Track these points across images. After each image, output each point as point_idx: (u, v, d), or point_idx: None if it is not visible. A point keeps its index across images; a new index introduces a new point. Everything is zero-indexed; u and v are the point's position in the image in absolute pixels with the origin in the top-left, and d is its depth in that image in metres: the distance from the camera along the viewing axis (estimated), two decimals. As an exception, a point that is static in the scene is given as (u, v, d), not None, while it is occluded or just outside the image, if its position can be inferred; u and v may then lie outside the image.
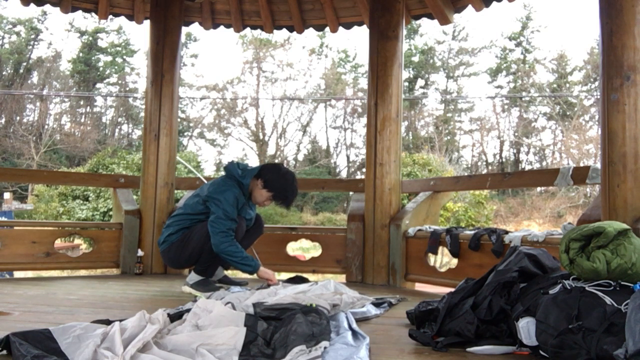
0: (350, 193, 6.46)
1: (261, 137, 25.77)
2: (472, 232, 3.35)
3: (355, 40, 30.89)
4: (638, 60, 2.48)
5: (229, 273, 3.69)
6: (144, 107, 4.85)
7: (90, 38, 27.97)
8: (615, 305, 1.64)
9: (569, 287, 1.78)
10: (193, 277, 3.26)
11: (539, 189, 21.07)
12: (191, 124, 26.84)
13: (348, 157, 26.78)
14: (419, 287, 3.89)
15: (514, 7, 30.77)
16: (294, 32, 4.91)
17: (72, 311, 2.58)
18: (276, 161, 21.93)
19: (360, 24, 4.73)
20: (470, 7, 4.16)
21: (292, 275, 3.67)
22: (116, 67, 28.07)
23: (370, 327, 2.32)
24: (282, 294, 2.64)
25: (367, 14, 4.42)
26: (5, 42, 26.69)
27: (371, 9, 4.20)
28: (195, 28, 7.97)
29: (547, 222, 18.48)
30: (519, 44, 26.87)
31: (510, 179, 4.01)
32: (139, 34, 35.14)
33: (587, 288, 1.74)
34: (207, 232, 3.11)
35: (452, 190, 4.66)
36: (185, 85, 26.37)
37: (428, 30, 28.15)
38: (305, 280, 3.40)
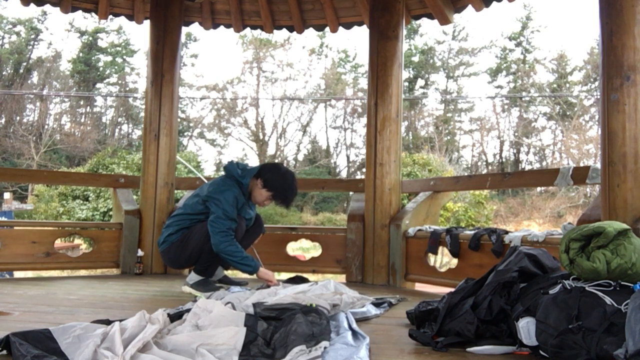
0: (350, 193, 6.46)
1: (261, 137, 25.78)
2: (472, 232, 3.35)
3: (355, 40, 30.93)
4: (638, 60, 2.48)
5: (229, 273, 3.69)
6: (144, 107, 4.85)
7: (90, 38, 27.97)
8: (615, 305, 1.64)
9: (569, 287, 1.78)
10: (193, 277, 3.26)
11: (539, 189, 21.07)
12: (191, 124, 26.85)
13: (348, 157, 26.81)
14: (419, 287, 3.89)
15: (514, 7, 30.79)
16: (294, 32, 4.91)
17: (72, 311, 2.58)
18: (276, 161, 21.93)
19: (360, 24, 4.73)
20: (470, 7, 4.16)
21: (292, 275, 3.67)
22: (116, 67, 28.07)
23: (370, 327, 2.32)
24: (282, 294, 2.64)
25: (367, 14, 4.42)
26: (5, 42, 26.72)
27: (371, 9, 4.20)
28: (195, 28, 7.97)
29: (547, 222, 18.49)
30: (519, 44, 26.88)
31: (510, 179, 4.01)
32: (139, 34, 35.19)
33: (587, 288, 1.74)
34: (207, 232, 3.11)
35: (452, 190, 4.66)
36: (185, 85, 26.38)
37: (428, 30, 28.20)
38: (305, 280, 3.41)
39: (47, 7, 4.75)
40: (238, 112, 26.08)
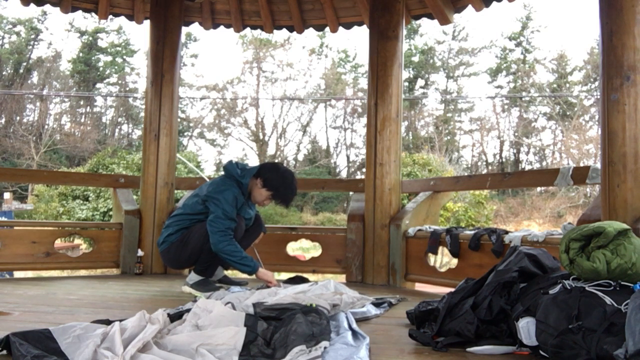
0: (350, 193, 6.46)
1: (261, 137, 25.78)
2: (472, 232, 3.35)
3: (355, 40, 30.93)
4: (638, 60, 2.48)
5: (229, 273, 3.69)
6: (144, 107, 4.85)
7: (90, 38, 27.97)
8: (615, 305, 1.64)
9: (569, 287, 1.78)
10: (193, 277, 3.26)
11: (539, 189, 21.07)
12: (191, 124, 26.85)
13: (348, 157, 26.81)
14: (419, 287, 3.89)
15: (514, 7, 30.80)
16: (294, 32, 4.91)
17: (72, 311, 2.58)
18: (276, 161, 21.94)
19: (360, 24, 4.73)
20: (470, 7, 4.16)
21: (292, 275, 3.67)
22: (116, 67, 28.07)
23: (370, 327, 2.32)
24: (282, 294, 2.64)
25: (367, 14, 4.42)
26: (5, 42, 26.72)
27: (371, 9, 4.20)
28: (195, 28, 7.98)
29: (547, 222, 18.49)
30: (519, 44, 26.88)
31: (510, 179, 4.01)
32: (139, 34, 35.19)
33: (587, 288, 1.74)
34: (206, 232, 3.11)
35: (452, 190, 4.65)
36: (185, 85, 26.39)
37: (428, 30, 28.20)
38: (305, 280, 3.40)
39: (47, 7, 4.75)
40: (238, 112, 26.10)
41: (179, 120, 6.23)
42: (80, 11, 4.68)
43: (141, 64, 28.40)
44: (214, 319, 1.94)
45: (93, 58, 27.72)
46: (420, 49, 27.31)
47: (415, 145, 24.22)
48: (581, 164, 9.07)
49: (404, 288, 3.74)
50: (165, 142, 4.30)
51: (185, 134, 26.39)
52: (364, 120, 7.54)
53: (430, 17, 4.37)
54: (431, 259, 4.38)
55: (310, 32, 12.39)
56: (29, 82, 26.46)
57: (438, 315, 2.06)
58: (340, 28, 4.79)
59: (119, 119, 28.19)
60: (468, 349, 1.91)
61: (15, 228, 4.24)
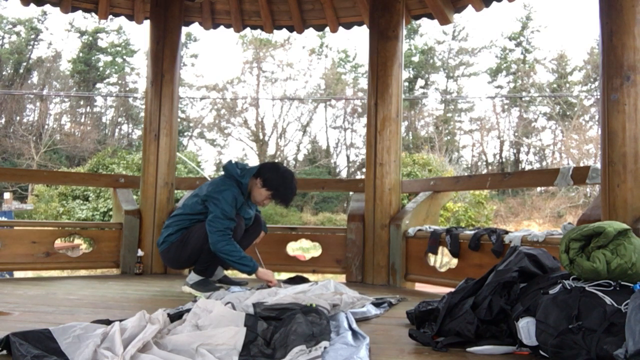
0: (350, 193, 6.46)
1: (261, 137, 25.78)
2: (472, 232, 3.35)
3: (355, 40, 30.93)
4: (638, 60, 2.48)
5: (229, 273, 3.69)
6: (144, 107, 4.85)
7: (90, 38, 27.97)
8: (615, 305, 1.64)
9: (569, 287, 1.78)
10: (193, 277, 3.26)
11: (539, 189, 21.07)
12: (191, 124, 26.85)
13: (348, 157, 26.81)
14: (419, 287, 3.89)
15: (514, 7, 30.79)
16: (294, 32, 4.91)
17: (72, 311, 2.58)
18: (276, 161, 21.93)
19: (360, 24, 4.73)
20: (470, 7, 4.16)
21: (292, 275, 3.67)
22: (116, 67, 28.07)
23: (370, 327, 2.32)
24: (282, 294, 2.64)
25: (367, 14, 4.42)
26: (5, 42, 26.72)
27: (371, 9, 4.20)
28: (195, 28, 7.97)
29: (547, 222, 18.48)
30: (519, 44, 26.87)
31: (510, 179, 4.01)
32: (139, 34, 35.19)
33: (587, 288, 1.74)
34: (206, 232, 3.10)
35: (452, 190, 4.66)
36: (185, 85, 26.38)
37: (428, 30, 28.19)
38: (305, 280, 3.41)
39: (47, 7, 4.75)
40: (238, 112, 26.09)
41: (179, 120, 6.23)
42: (80, 11, 4.69)
43: (141, 64, 28.43)
44: (214, 319, 1.94)
45: (93, 58, 27.72)
46: (420, 49, 27.31)
47: (415, 145, 24.22)
48: (581, 164, 9.08)
49: (404, 288, 3.74)
50: (165, 142, 4.30)
51: (185, 134, 26.39)
52: (364, 120, 7.54)
53: (430, 17, 4.37)
54: (431, 259, 4.38)
55: (310, 32, 12.40)
56: (29, 82, 26.46)
57: (438, 315, 2.06)
58: (340, 28, 4.79)
59: (119, 119, 28.19)
60: (468, 349, 1.91)
61: (15, 228, 4.24)
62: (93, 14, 4.68)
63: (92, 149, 22.80)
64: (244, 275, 3.39)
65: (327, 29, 4.83)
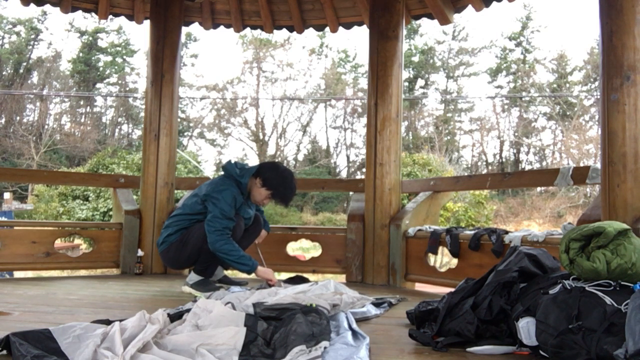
0: (350, 193, 6.46)
1: (261, 137, 25.78)
2: (472, 232, 3.35)
3: (355, 40, 30.94)
4: (638, 60, 2.48)
5: (229, 273, 3.69)
6: (144, 107, 4.85)
7: (90, 38, 27.97)
8: (615, 305, 1.64)
9: (569, 287, 1.78)
10: (193, 277, 3.26)
11: (539, 189, 21.07)
12: (191, 124, 26.85)
13: (348, 157, 26.81)
14: (419, 287, 3.89)
15: (514, 7, 30.80)
16: (294, 32, 4.91)
17: (72, 311, 2.58)
18: (276, 160, 21.90)
19: (360, 24, 4.73)
20: (470, 7, 4.16)
21: (292, 275, 3.67)
22: (116, 67, 28.07)
23: (370, 327, 2.32)
24: (282, 294, 2.64)
25: (367, 14, 4.42)
26: (5, 42, 26.72)
27: (371, 9, 4.20)
28: (195, 28, 7.98)
29: (547, 222, 18.49)
30: (519, 44, 26.88)
31: (510, 179, 4.01)
32: (139, 34, 35.21)
33: (587, 288, 1.74)
34: (205, 232, 3.11)
35: (452, 190, 4.66)
36: (185, 85, 26.39)
37: (428, 30, 28.20)
38: (305, 280, 3.40)
39: (47, 7, 4.75)
40: (238, 112, 26.10)
41: (179, 120, 6.23)
42: (80, 11, 4.68)
43: (141, 64, 28.43)
44: (214, 319, 1.94)
45: (93, 58, 27.73)
46: (420, 49, 27.31)
47: (415, 145, 24.22)
48: (581, 164, 9.07)
49: (404, 288, 3.74)
50: (165, 142, 4.30)
51: (185, 134, 26.39)
52: (364, 120, 7.54)
53: (430, 17, 4.37)
54: (431, 259, 4.38)
55: (310, 32, 12.40)
56: (29, 82, 26.47)
57: (438, 315, 2.06)
58: (340, 28, 4.79)
59: (119, 119, 28.19)
60: (468, 349, 1.91)
61: (15, 228, 4.24)
62: (93, 14, 4.68)
63: (92, 149, 22.80)
64: (244, 275, 3.39)
65: (327, 29, 4.82)
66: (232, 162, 3.32)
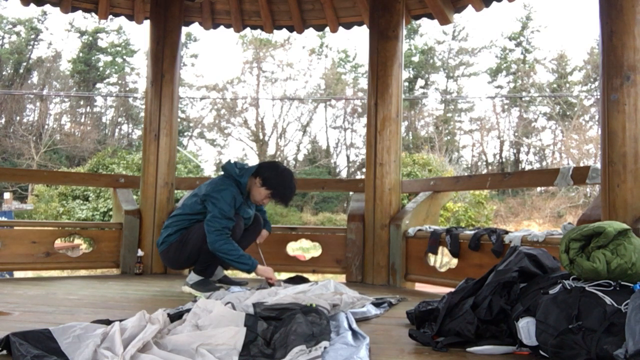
0: (350, 193, 6.46)
1: (261, 137, 25.78)
2: (472, 232, 3.35)
3: (355, 40, 30.94)
4: (638, 60, 2.48)
5: (229, 273, 3.69)
6: (144, 107, 4.85)
7: (90, 38, 27.97)
8: (615, 305, 1.64)
9: (569, 287, 1.78)
10: (193, 277, 3.26)
11: (539, 189, 21.07)
12: (191, 124, 26.85)
13: (348, 157, 26.81)
14: (419, 287, 3.89)
15: (514, 7, 30.80)
16: (294, 32, 4.91)
17: (72, 311, 2.58)
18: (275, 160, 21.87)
19: (360, 24, 4.73)
20: (470, 7, 4.16)
21: (292, 275, 3.67)
22: (116, 67, 28.07)
23: (370, 327, 2.32)
24: (282, 294, 2.64)
25: (367, 14, 4.42)
26: (5, 42, 26.72)
27: (371, 9, 4.20)
28: (195, 28, 7.97)
29: (547, 222, 18.48)
30: (519, 44, 26.88)
31: (510, 179, 4.01)
32: (139, 34, 35.22)
33: (587, 288, 1.74)
34: (205, 232, 3.10)
35: (452, 190, 4.66)
36: (185, 85, 26.39)
37: (428, 30, 28.20)
38: (305, 280, 3.40)
39: (47, 7, 4.75)
40: (238, 112, 26.10)
41: (179, 120, 6.23)
42: (80, 11, 4.69)
43: (141, 64, 28.43)
44: (214, 319, 1.94)
45: (93, 58, 27.72)
46: (420, 49, 27.31)
47: (415, 145, 24.21)
48: (581, 164, 9.07)
49: (404, 288, 3.74)
50: (165, 142, 4.30)
51: (185, 134, 26.39)
52: (364, 120, 7.54)
53: (430, 17, 4.37)
54: (431, 259, 4.38)
55: (310, 32, 12.40)
56: (29, 82, 26.47)
57: (438, 315, 2.06)
58: (340, 28, 4.79)
59: (119, 119, 28.19)
60: (468, 349, 1.91)
61: (15, 228, 4.24)
62: (93, 14, 4.68)
63: (92, 149, 22.80)
64: (244, 275, 3.39)
65: (327, 29, 4.82)
66: (232, 162, 3.32)
